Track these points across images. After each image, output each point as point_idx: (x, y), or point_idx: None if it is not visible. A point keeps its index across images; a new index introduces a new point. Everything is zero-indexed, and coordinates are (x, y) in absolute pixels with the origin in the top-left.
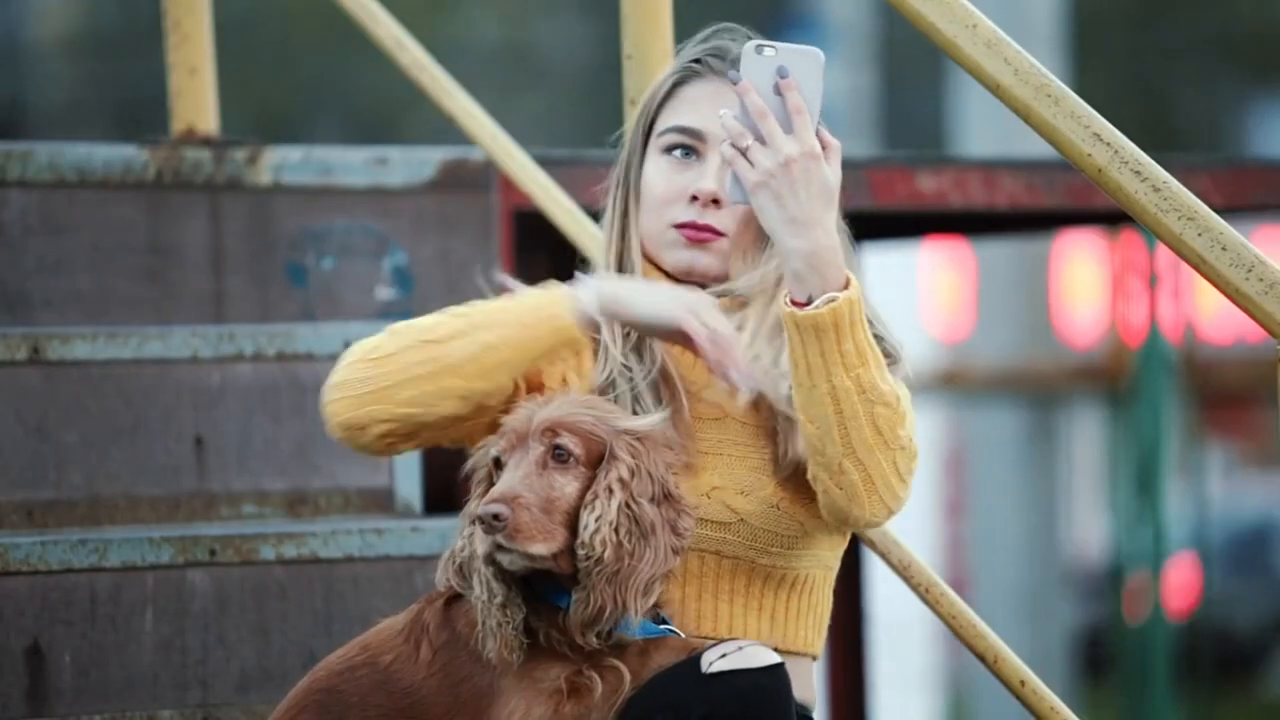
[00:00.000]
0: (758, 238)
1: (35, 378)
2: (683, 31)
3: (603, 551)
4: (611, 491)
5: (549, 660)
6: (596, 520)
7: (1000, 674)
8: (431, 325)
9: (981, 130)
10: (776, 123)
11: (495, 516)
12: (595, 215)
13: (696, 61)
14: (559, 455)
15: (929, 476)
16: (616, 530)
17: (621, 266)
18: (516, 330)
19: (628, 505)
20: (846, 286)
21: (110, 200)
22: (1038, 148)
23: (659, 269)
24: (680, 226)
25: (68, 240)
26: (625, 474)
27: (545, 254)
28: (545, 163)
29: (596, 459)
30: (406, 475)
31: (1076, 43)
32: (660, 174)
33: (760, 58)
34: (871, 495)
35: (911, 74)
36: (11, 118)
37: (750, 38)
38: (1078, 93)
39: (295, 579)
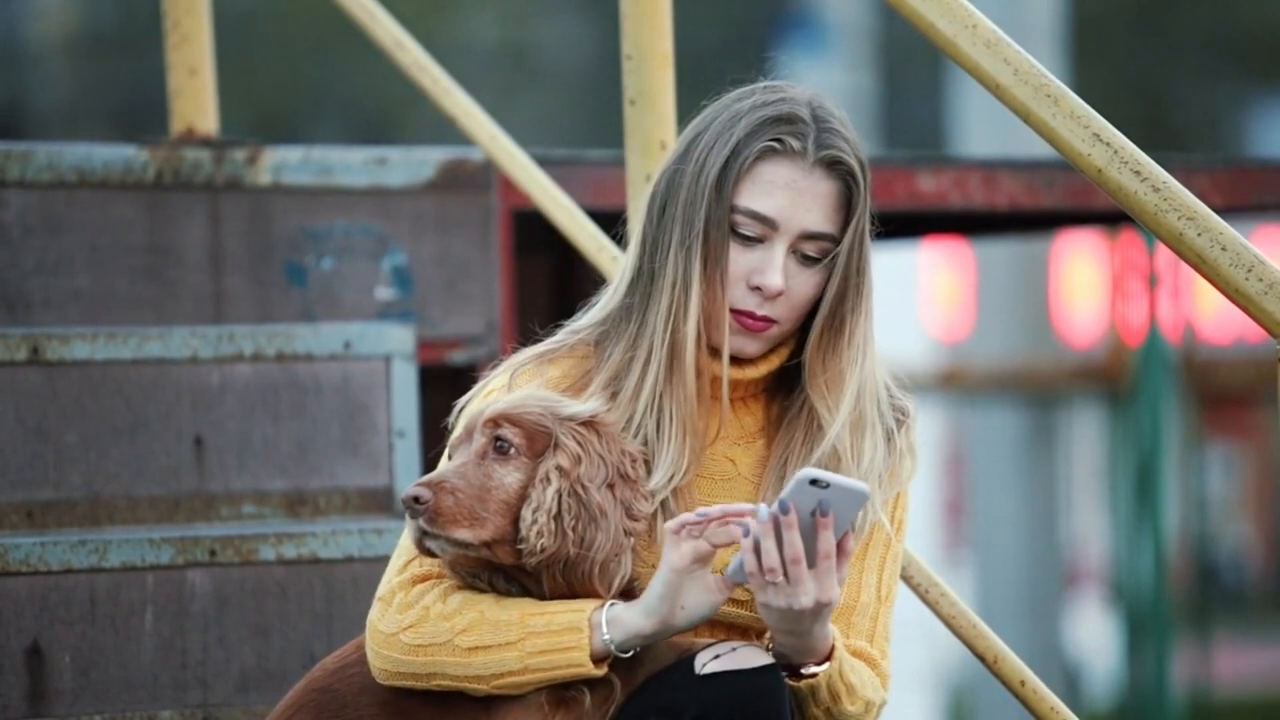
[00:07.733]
0: (805, 320)
1: (35, 378)
2: (682, 31)
3: (539, 543)
4: (548, 481)
5: None
6: (533, 512)
7: (1000, 674)
8: (460, 627)
9: (981, 130)
10: (806, 571)
11: (415, 499)
12: (595, 215)
13: (778, 140)
14: (500, 446)
15: (929, 476)
16: (559, 519)
17: (675, 329)
18: (531, 657)
19: (574, 491)
20: (829, 657)
21: (110, 200)
22: (1038, 148)
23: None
24: (738, 313)
25: (67, 240)
26: (565, 462)
27: (544, 254)
28: (545, 163)
29: (543, 450)
30: (406, 475)
31: (1076, 43)
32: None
33: (811, 489)
34: None
35: (911, 74)
36: (11, 118)
37: (779, 86)
38: (1078, 93)
39: (295, 579)
